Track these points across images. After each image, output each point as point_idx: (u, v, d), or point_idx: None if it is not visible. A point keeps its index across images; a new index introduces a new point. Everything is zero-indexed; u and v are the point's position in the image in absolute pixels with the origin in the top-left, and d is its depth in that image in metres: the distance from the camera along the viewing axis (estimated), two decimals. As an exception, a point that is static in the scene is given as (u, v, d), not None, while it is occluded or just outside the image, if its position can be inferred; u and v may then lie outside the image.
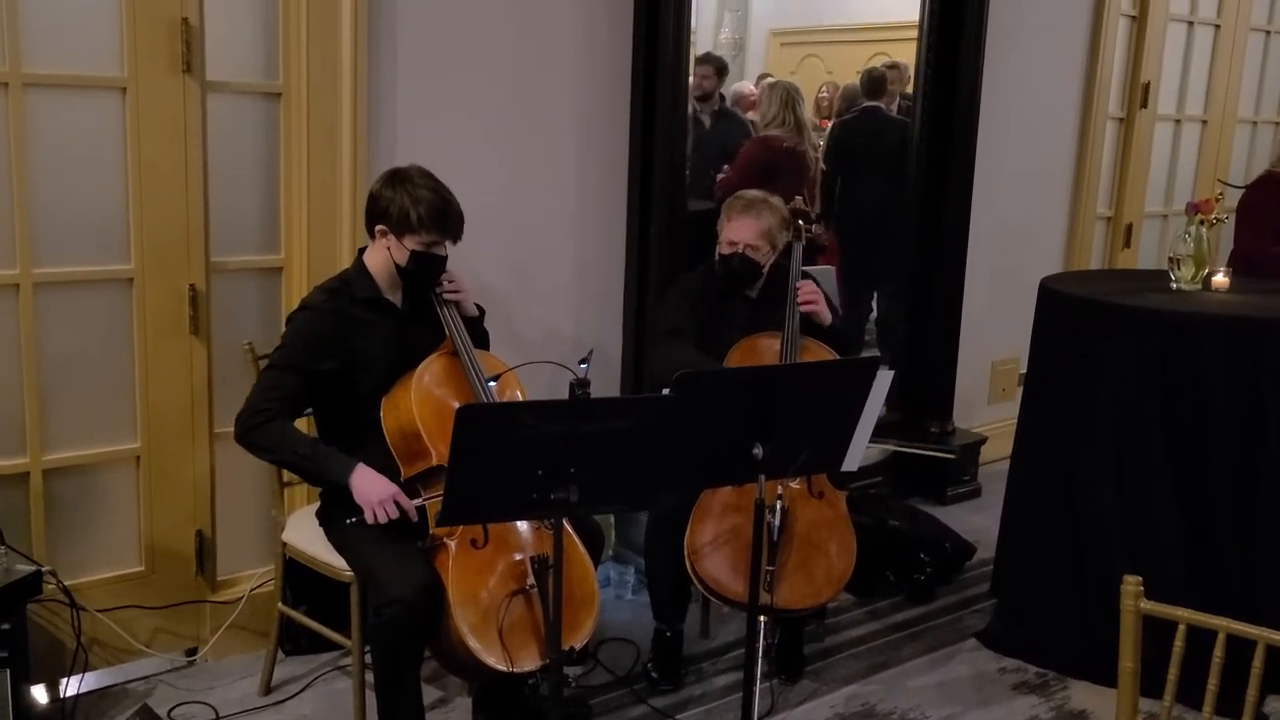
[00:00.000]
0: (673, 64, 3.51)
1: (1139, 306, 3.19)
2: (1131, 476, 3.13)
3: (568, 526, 2.38)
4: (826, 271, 3.82)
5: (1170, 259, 3.51)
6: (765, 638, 2.79)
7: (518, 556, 2.49)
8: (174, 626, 3.06)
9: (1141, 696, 1.95)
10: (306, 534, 2.75)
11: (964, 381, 4.68)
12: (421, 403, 2.51)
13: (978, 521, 4.21)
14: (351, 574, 2.60)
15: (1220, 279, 3.45)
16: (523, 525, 2.54)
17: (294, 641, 3.11)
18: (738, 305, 3.19)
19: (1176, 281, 3.45)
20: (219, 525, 3.10)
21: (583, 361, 2.28)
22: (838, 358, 3.07)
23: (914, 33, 4.37)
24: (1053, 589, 3.30)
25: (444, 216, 2.56)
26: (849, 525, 3.00)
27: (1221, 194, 4.37)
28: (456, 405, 2.01)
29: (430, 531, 2.47)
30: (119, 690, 2.92)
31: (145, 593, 3.00)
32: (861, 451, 2.63)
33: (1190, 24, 5.56)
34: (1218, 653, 1.85)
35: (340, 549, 2.61)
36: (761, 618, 2.48)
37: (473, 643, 2.37)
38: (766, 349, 3.06)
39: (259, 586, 3.11)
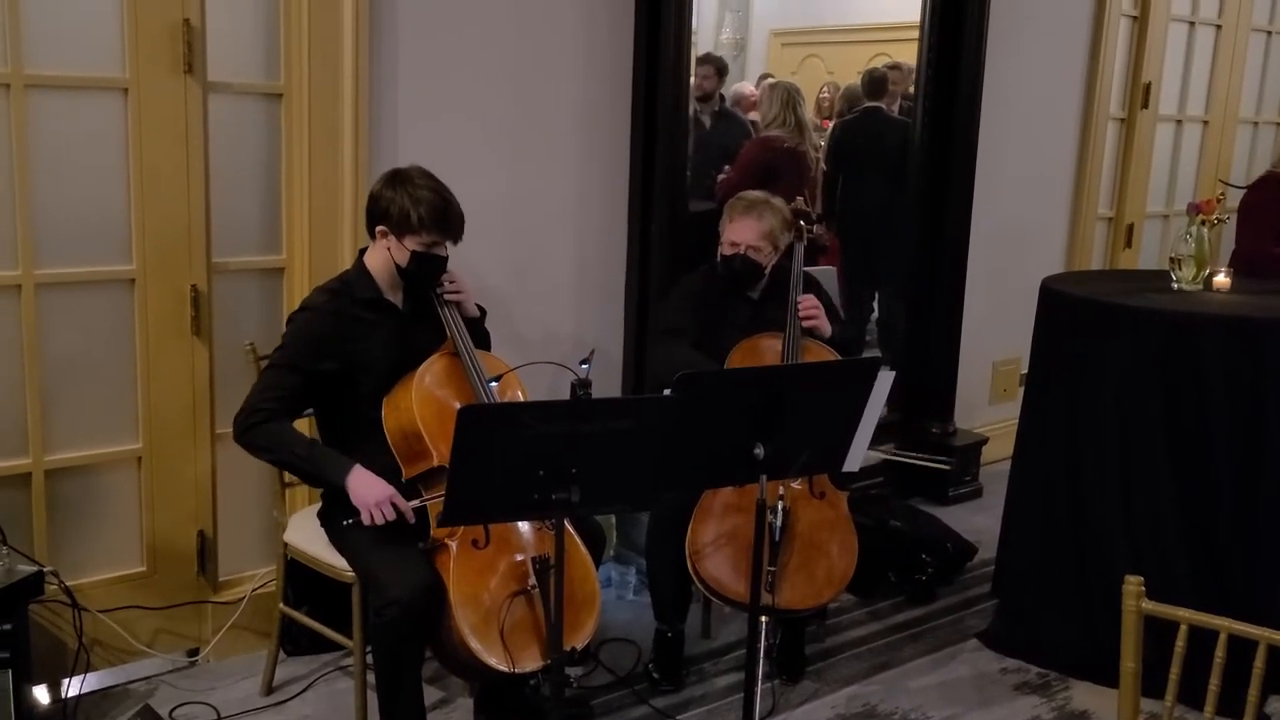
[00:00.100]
0: (674, 64, 3.51)
1: (1140, 307, 3.19)
2: (1132, 476, 3.13)
3: (569, 527, 2.38)
4: (828, 272, 3.82)
5: (1171, 259, 3.51)
6: (766, 638, 2.79)
7: (519, 557, 2.49)
8: (175, 627, 3.06)
9: (1143, 697, 1.95)
10: (308, 534, 2.75)
11: (965, 382, 4.68)
12: (422, 403, 2.52)
13: (979, 522, 4.21)
14: (353, 574, 2.60)
15: (1221, 279, 3.45)
16: (524, 526, 2.55)
17: (295, 642, 3.11)
18: (739, 306, 3.19)
19: (1178, 282, 3.45)
20: (220, 526, 3.11)
21: (584, 362, 2.28)
22: (839, 358, 3.07)
23: (915, 33, 4.37)
24: (1054, 589, 3.29)
25: (444, 217, 2.56)
26: (850, 526, 3.00)
27: (1223, 194, 4.37)
28: (458, 406, 2.01)
29: (431, 532, 2.47)
30: (120, 691, 2.92)
31: (147, 593, 3.00)
32: (863, 452, 2.63)
33: (1191, 24, 5.56)
34: (1219, 653, 1.85)
35: (341, 549, 2.62)
36: (763, 618, 2.48)
37: (474, 643, 2.37)
38: (768, 349, 3.06)
39: (260, 587, 3.11)
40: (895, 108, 4.91)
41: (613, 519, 3.55)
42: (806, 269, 3.23)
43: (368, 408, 2.57)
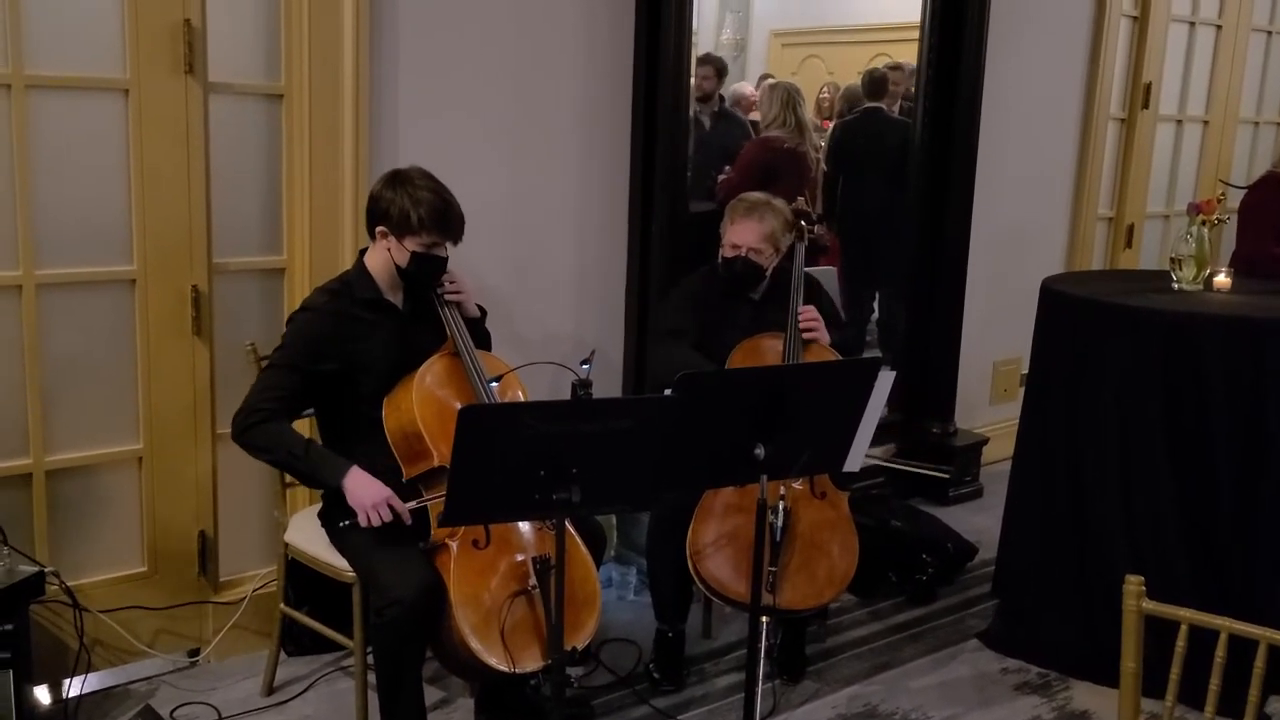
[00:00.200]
0: (674, 64, 3.51)
1: (1141, 307, 3.19)
2: (1133, 476, 3.13)
3: (569, 527, 2.38)
4: (828, 272, 3.82)
5: (1172, 259, 3.51)
6: (767, 638, 2.79)
7: (519, 557, 2.49)
8: (176, 627, 3.06)
9: (1143, 697, 1.95)
10: (308, 534, 2.75)
11: (966, 382, 4.69)
12: (423, 403, 2.52)
13: (979, 522, 4.21)
14: (353, 575, 2.60)
15: (1222, 279, 3.45)
16: (524, 526, 2.55)
17: (296, 642, 3.11)
18: (740, 307, 3.19)
19: (1178, 282, 3.45)
20: (221, 526, 3.11)
21: (584, 362, 2.29)
22: (840, 358, 3.08)
23: (915, 33, 4.37)
24: (1054, 589, 3.30)
25: (444, 218, 2.56)
26: (851, 526, 3.00)
27: (1223, 194, 4.37)
28: (458, 406, 2.01)
29: (432, 532, 2.47)
30: (121, 691, 2.92)
31: (148, 593, 3.00)
32: (863, 452, 2.64)
33: (1191, 25, 5.56)
34: (1220, 653, 1.85)
35: (342, 550, 2.62)
36: (763, 618, 2.48)
37: (474, 643, 2.37)
38: (769, 349, 3.06)
39: (261, 587, 3.11)
40: (895, 108, 4.91)
41: (613, 519, 3.55)
42: (807, 270, 3.23)
43: (368, 408, 2.57)
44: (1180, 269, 3.46)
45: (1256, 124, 6.16)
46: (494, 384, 2.59)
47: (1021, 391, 3.73)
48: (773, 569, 2.69)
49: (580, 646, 2.51)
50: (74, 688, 2.73)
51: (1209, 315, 3.13)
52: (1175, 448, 3.07)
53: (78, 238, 2.79)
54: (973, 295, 4.54)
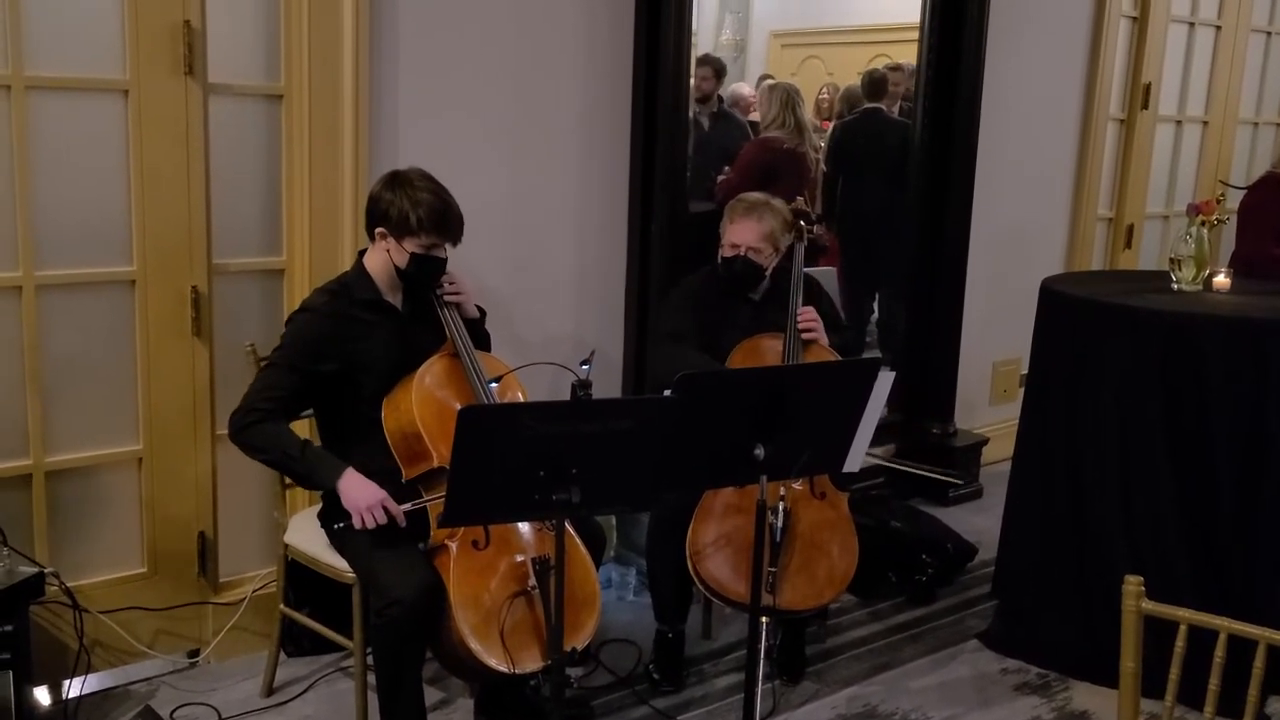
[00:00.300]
0: (674, 65, 3.52)
1: (1140, 307, 3.19)
2: (1133, 477, 3.13)
3: (569, 527, 2.38)
4: (828, 273, 3.82)
5: (1171, 260, 3.51)
6: (767, 639, 2.79)
7: (519, 558, 2.49)
8: (176, 628, 3.06)
9: (1143, 697, 1.95)
10: (308, 535, 2.75)
11: (965, 382, 4.69)
12: (422, 404, 2.52)
13: (979, 522, 4.21)
14: (353, 575, 2.60)
15: (1221, 280, 3.45)
16: (524, 526, 2.55)
17: (296, 643, 3.11)
18: (740, 307, 3.19)
19: (1177, 282, 3.45)
20: (221, 527, 3.11)
21: (584, 363, 2.29)
22: (839, 359, 3.08)
23: (915, 34, 4.37)
24: (1054, 590, 3.30)
25: (444, 219, 2.56)
26: (851, 526, 3.00)
27: (1223, 195, 4.37)
28: (458, 407, 2.01)
29: (432, 533, 2.47)
30: (121, 692, 2.93)
31: (147, 594, 3.00)
32: (863, 453, 2.63)
33: (1191, 25, 5.56)
34: (1219, 653, 1.85)
35: (341, 550, 2.62)
36: (763, 619, 2.48)
37: (474, 644, 2.37)
38: (769, 350, 3.06)
39: (261, 588, 3.11)
40: (895, 109, 4.91)
41: (613, 520, 3.55)
42: (807, 270, 3.23)
43: (367, 408, 2.57)
44: (1180, 269, 3.46)
45: (1256, 124, 6.16)
46: (493, 385, 2.59)
47: (1021, 392, 3.74)
48: (772, 569, 2.69)
49: (580, 647, 2.52)
50: (74, 689, 2.73)
51: (1209, 316, 3.13)
52: (1175, 448, 3.07)
53: (77, 238, 2.79)
54: (972, 296, 4.54)
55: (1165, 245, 5.55)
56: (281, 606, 2.88)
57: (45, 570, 2.51)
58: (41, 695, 2.72)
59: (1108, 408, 3.16)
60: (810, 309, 3.11)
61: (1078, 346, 3.27)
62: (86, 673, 2.75)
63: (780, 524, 2.72)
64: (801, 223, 3.22)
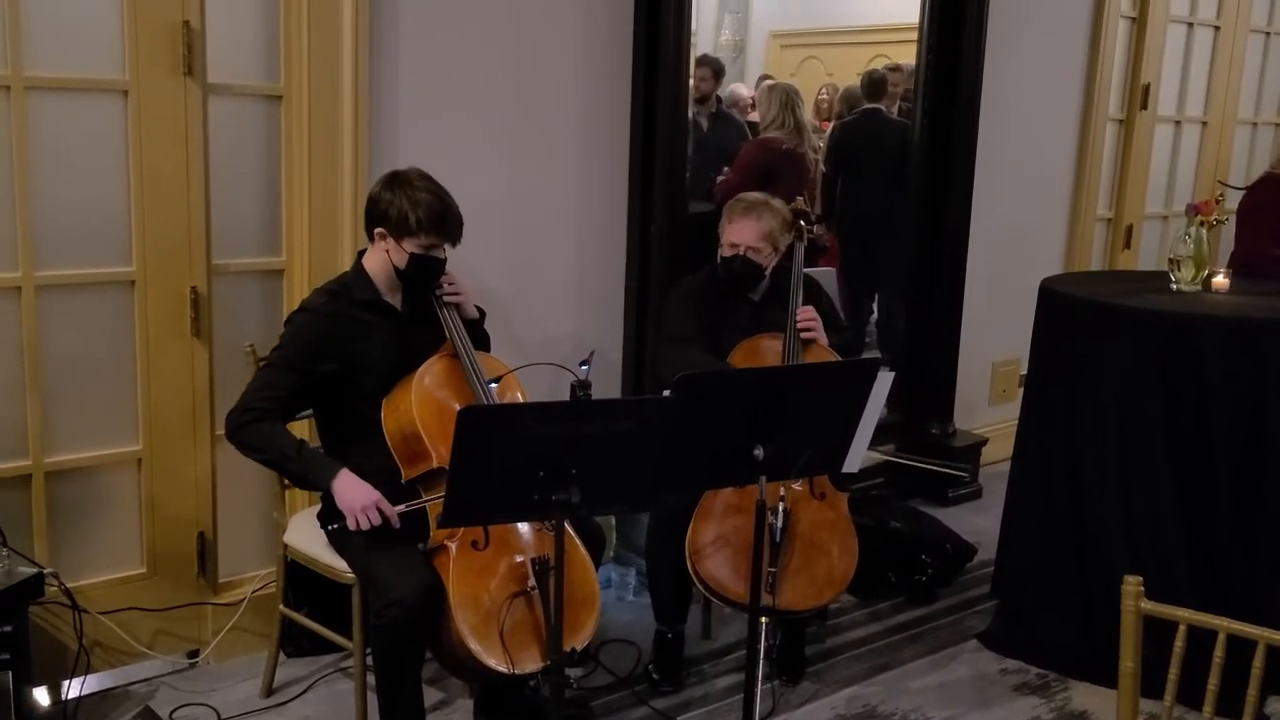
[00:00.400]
0: (673, 65, 3.52)
1: (1139, 307, 3.19)
2: (1132, 477, 3.13)
3: (568, 528, 2.38)
4: (827, 273, 3.82)
5: (1170, 260, 3.52)
6: (766, 639, 2.79)
7: (519, 558, 2.49)
8: (175, 628, 3.06)
9: (1142, 697, 1.95)
10: (308, 536, 2.75)
11: (965, 383, 4.69)
12: (422, 404, 2.52)
13: (979, 523, 4.21)
14: (352, 576, 2.60)
15: (1220, 280, 3.46)
16: (523, 527, 2.55)
17: (295, 643, 3.11)
18: (740, 308, 3.18)
19: (1176, 282, 3.45)
20: (220, 527, 3.11)
21: (584, 363, 2.29)
22: (839, 359, 3.08)
23: (914, 34, 4.37)
24: (1053, 590, 3.30)
25: (443, 219, 2.56)
26: (851, 527, 3.00)
27: (1221, 195, 4.37)
28: (457, 407, 2.01)
29: (431, 533, 2.47)
30: (120, 692, 2.92)
31: (147, 595, 3.00)
32: (862, 453, 2.63)
33: (1190, 25, 5.56)
34: (1218, 653, 1.85)
35: (341, 551, 2.62)
36: (763, 619, 2.48)
37: (474, 644, 2.37)
38: (769, 350, 3.06)
39: (260, 588, 3.11)
40: (894, 109, 4.91)
41: (612, 520, 3.55)
42: (807, 270, 3.23)
43: (366, 408, 2.57)
44: (1179, 270, 3.46)
45: (1255, 125, 6.16)
46: (493, 385, 2.59)
47: (1020, 392, 3.73)
48: (772, 570, 2.69)
49: (579, 647, 2.52)
50: (73, 689, 2.72)
51: (1208, 316, 3.13)
52: (1174, 448, 3.07)
53: (77, 239, 2.79)
54: (972, 296, 4.54)
55: (1164, 245, 5.56)
56: (281, 607, 2.88)
57: (45, 571, 2.51)
58: (41, 696, 2.72)
59: (1107, 408, 3.16)
60: (810, 308, 3.11)
61: (1077, 347, 3.28)
62: (86, 673, 2.75)
63: (780, 524, 2.72)
64: (801, 223, 3.22)
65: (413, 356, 2.60)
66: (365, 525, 2.42)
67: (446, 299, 2.67)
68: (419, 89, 3.19)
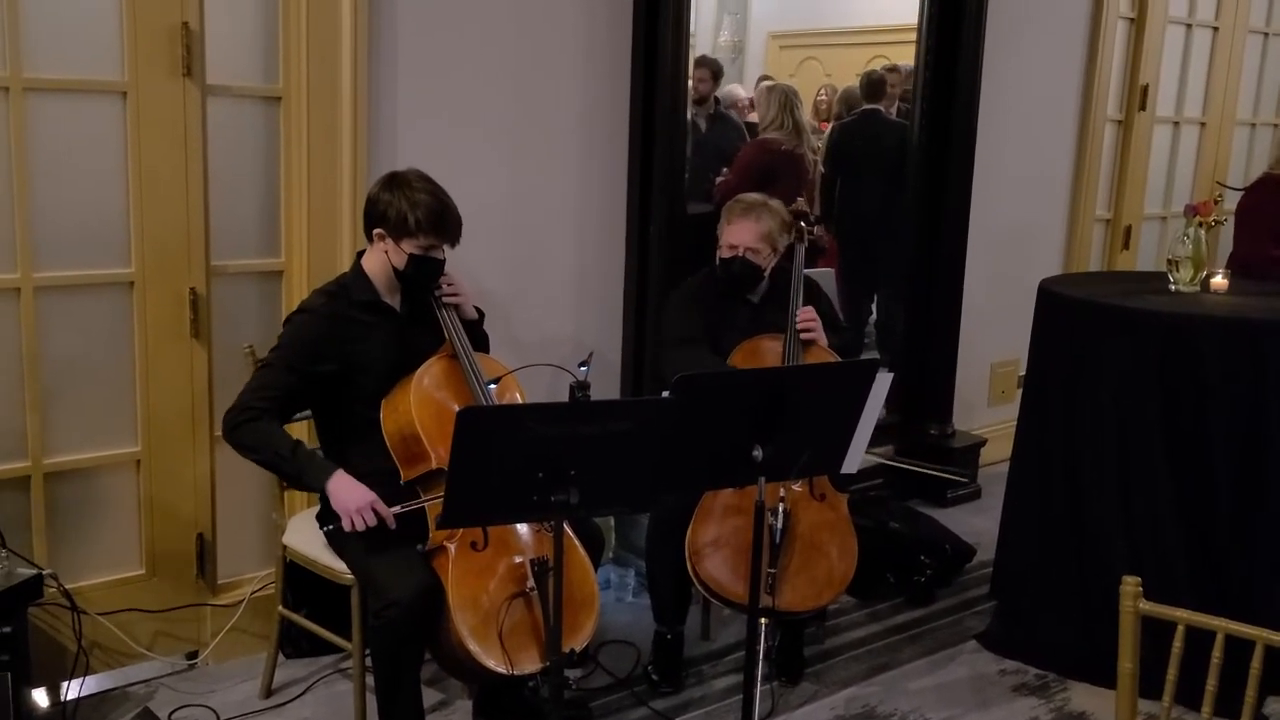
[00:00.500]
0: (672, 66, 3.52)
1: (1138, 308, 3.19)
2: (1131, 478, 3.13)
3: (567, 529, 2.38)
4: (826, 274, 3.82)
5: (1169, 261, 3.52)
6: (766, 640, 2.79)
7: (517, 559, 2.49)
8: (175, 630, 3.06)
9: (1141, 698, 1.95)
10: (307, 537, 2.75)
11: (964, 383, 4.69)
12: (421, 405, 2.52)
13: (978, 523, 4.22)
14: (351, 577, 2.60)
15: (1219, 280, 3.46)
16: (522, 528, 2.55)
17: (295, 644, 3.11)
18: (739, 309, 3.18)
19: (1175, 283, 3.46)
20: (219, 528, 3.11)
21: (582, 364, 2.29)
22: (838, 359, 3.08)
23: (913, 35, 4.38)
24: (1052, 591, 3.30)
25: (442, 220, 2.56)
26: (850, 528, 3.00)
27: (1220, 196, 4.38)
28: (456, 408, 2.02)
29: (430, 534, 2.47)
30: (119, 693, 2.92)
31: (146, 596, 3.00)
32: (861, 453, 2.64)
33: (1188, 26, 5.57)
34: (1216, 653, 1.85)
35: (340, 552, 2.62)
36: (762, 620, 2.48)
37: (473, 645, 2.37)
38: (769, 351, 3.06)
39: (259, 590, 3.11)
40: (893, 110, 4.91)
41: (611, 521, 3.55)
42: (806, 271, 3.23)
43: (364, 408, 2.57)
44: (1177, 270, 3.46)
45: (1253, 125, 6.16)
46: (492, 386, 2.59)
47: (1019, 393, 3.74)
48: (772, 571, 2.69)
49: (578, 648, 2.52)
50: (72, 690, 2.72)
51: (1206, 316, 3.13)
52: (1173, 449, 3.07)
53: (76, 240, 2.79)
54: (970, 297, 4.54)
55: (1163, 246, 5.56)
56: (280, 608, 2.88)
57: (44, 572, 2.51)
58: (40, 697, 2.72)
59: (1106, 408, 3.16)
60: (810, 309, 3.11)
61: (1076, 347, 3.28)
62: (85, 674, 2.75)
63: (780, 525, 2.73)
64: (802, 224, 3.22)
65: (412, 357, 2.60)
66: (361, 526, 2.42)
67: (445, 300, 2.67)
68: (418, 90, 3.19)
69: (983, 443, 4.69)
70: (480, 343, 2.81)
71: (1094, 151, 5.13)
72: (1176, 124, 5.68)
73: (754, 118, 4.96)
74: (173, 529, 3.02)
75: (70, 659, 2.72)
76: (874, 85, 4.88)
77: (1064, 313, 3.35)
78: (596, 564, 2.69)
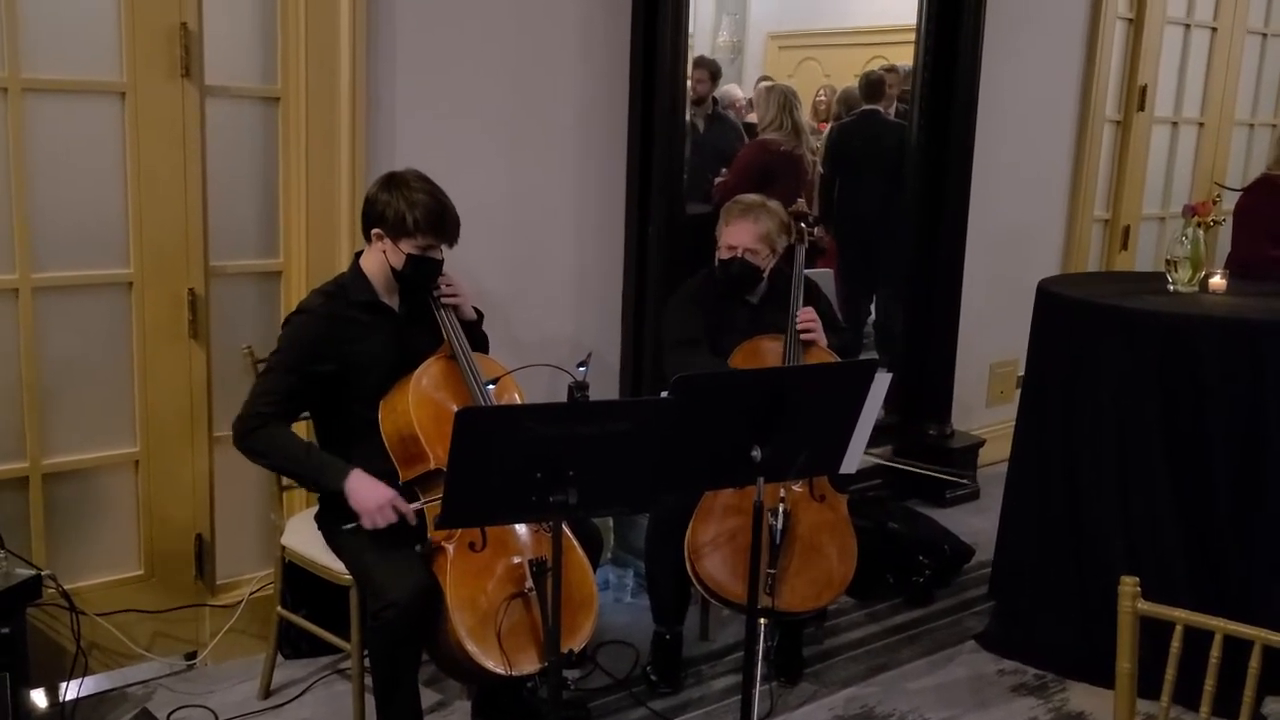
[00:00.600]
0: (671, 67, 3.52)
1: (1136, 308, 3.19)
2: (1130, 478, 3.13)
3: (566, 529, 2.38)
4: (825, 275, 3.83)
5: (1167, 261, 3.52)
6: (765, 640, 2.79)
7: (516, 559, 2.49)
8: (173, 630, 3.06)
9: (1139, 698, 1.95)
10: (305, 537, 2.75)
11: (962, 384, 4.69)
12: (419, 406, 2.52)
13: (976, 524, 4.22)
14: (350, 577, 2.60)
15: (1217, 281, 3.46)
16: (521, 528, 2.55)
17: (293, 645, 3.11)
18: (738, 310, 3.18)
19: (1174, 284, 3.46)
20: (218, 529, 3.10)
21: (581, 364, 2.29)
22: (837, 360, 3.08)
23: (912, 35, 4.38)
24: (1051, 591, 3.30)
25: (440, 220, 2.56)
26: (850, 528, 3.00)
27: (1218, 196, 4.38)
28: (454, 409, 2.02)
29: (429, 535, 2.47)
30: (118, 694, 2.92)
31: (144, 596, 3.00)
32: (860, 454, 2.64)
33: (1187, 26, 5.57)
34: (1215, 654, 1.85)
35: (338, 552, 2.61)
36: (761, 620, 2.48)
37: (471, 646, 2.37)
38: (769, 351, 3.07)
39: (258, 590, 3.11)
40: (892, 110, 4.91)
41: (610, 521, 3.55)
42: (805, 272, 3.23)
43: (363, 408, 2.57)
44: (1176, 271, 3.46)
45: (1251, 126, 6.17)
46: (490, 386, 2.59)
47: (1018, 393, 3.74)
48: (771, 571, 2.69)
49: (577, 649, 2.52)
50: (71, 691, 2.72)
51: (1205, 317, 3.14)
52: (1172, 449, 3.07)
53: (74, 241, 2.79)
54: (969, 297, 4.54)
55: (1161, 247, 5.57)
56: (279, 609, 2.88)
57: (42, 572, 2.51)
58: (38, 698, 2.72)
59: (1104, 409, 3.16)
60: (810, 310, 3.11)
61: (1074, 348, 3.28)
62: (83, 675, 2.75)
63: (780, 526, 2.73)
64: (801, 225, 3.22)
65: (410, 357, 2.60)
66: (382, 524, 2.42)
67: (444, 300, 2.67)
68: (416, 90, 3.19)
69: (981, 443, 4.69)
70: (479, 343, 2.81)
71: (1092, 152, 5.13)
72: (1175, 124, 5.69)
73: (753, 118, 4.96)
74: (171, 529, 3.01)
75: (69, 659, 2.72)
76: (873, 86, 4.88)
77: (1063, 313, 3.35)
78: (595, 564, 2.69)
